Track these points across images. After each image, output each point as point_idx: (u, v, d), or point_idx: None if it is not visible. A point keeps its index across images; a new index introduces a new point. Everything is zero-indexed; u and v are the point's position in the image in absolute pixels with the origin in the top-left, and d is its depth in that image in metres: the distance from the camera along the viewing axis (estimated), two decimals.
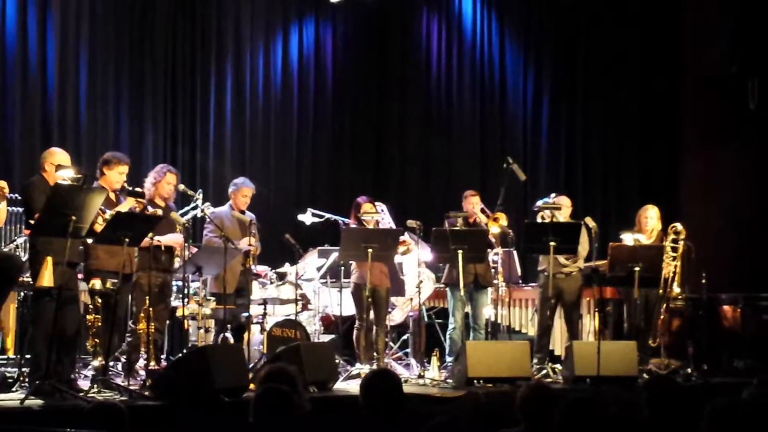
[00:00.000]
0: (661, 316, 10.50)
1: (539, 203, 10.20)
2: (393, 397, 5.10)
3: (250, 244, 9.27)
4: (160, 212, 8.30)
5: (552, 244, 9.28)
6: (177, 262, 8.92)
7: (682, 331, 10.81)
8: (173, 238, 8.70)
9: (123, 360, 8.52)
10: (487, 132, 14.12)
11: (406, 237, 9.87)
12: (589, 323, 10.71)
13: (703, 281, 10.50)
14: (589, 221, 9.92)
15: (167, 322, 9.03)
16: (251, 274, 9.53)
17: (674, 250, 10.13)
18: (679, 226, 10.19)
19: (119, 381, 7.97)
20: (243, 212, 9.64)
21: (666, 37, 13.97)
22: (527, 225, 9.83)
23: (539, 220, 9.98)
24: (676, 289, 10.17)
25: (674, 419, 4.84)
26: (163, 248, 8.50)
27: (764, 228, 12.82)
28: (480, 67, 14.14)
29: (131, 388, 7.64)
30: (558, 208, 9.94)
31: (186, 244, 8.83)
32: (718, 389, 8.48)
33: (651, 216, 10.26)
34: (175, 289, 9.09)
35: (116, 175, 8.18)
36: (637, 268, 9.38)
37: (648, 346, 10.04)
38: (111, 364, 8.25)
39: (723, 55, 13.01)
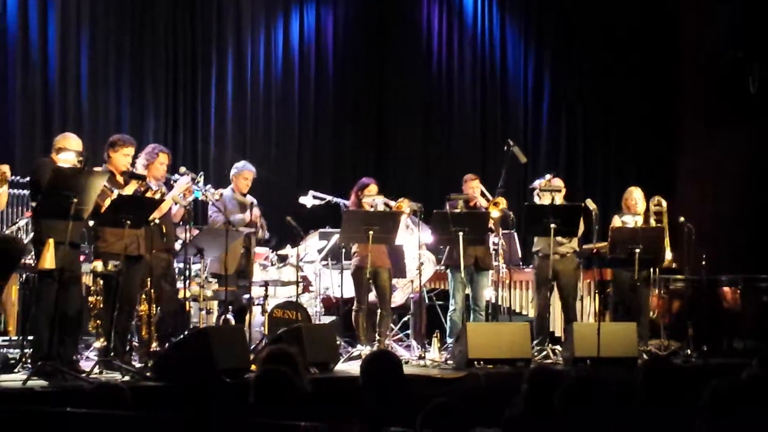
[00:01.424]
0: (658, 297, 10.57)
1: (535, 183, 10.22)
2: (393, 378, 5.13)
3: (251, 220, 9.32)
4: (162, 192, 8.30)
5: (552, 226, 9.30)
6: (178, 245, 8.94)
7: (682, 313, 10.86)
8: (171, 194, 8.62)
9: (135, 341, 8.55)
10: (487, 115, 14.13)
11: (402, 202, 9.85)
12: (589, 305, 10.74)
13: (703, 263, 10.53)
14: (590, 203, 9.95)
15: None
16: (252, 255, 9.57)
17: (658, 221, 10.23)
18: (662, 201, 10.26)
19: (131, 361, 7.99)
20: (244, 195, 9.68)
21: (666, 20, 13.97)
22: (528, 207, 9.84)
23: (536, 200, 10.00)
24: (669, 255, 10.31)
25: (672, 400, 4.86)
26: (164, 229, 8.48)
27: (764, 210, 12.85)
28: (480, 51, 14.15)
29: (133, 369, 7.67)
30: (558, 190, 9.96)
31: (187, 226, 8.83)
32: (718, 370, 8.50)
33: (638, 197, 10.29)
34: (176, 270, 9.10)
35: (122, 158, 8.16)
36: (637, 250, 9.41)
37: (648, 328, 10.07)
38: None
39: (723, 39, 13.01)
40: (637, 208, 10.23)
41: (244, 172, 9.71)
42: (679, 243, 10.56)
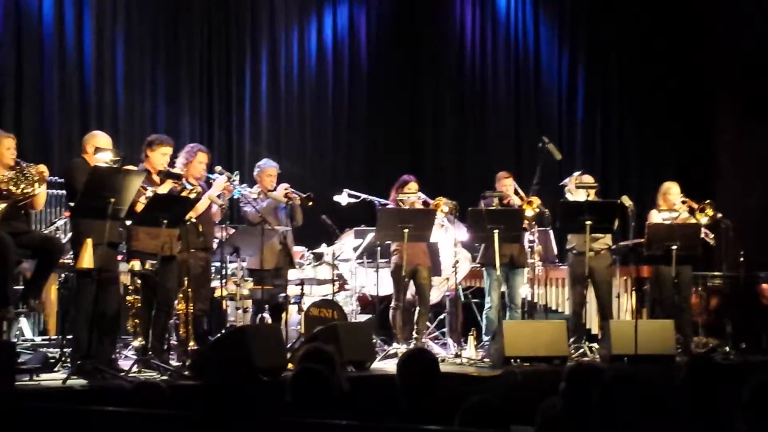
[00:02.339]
0: (696, 295, 10.50)
1: (566, 181, 10.18)
2: (429, 377, 5.12)
3: (286, 190, 9.34)
4: (197, 191, 8.33)
5: (588, 223, 9.25)
6: (215, 243, 8.97)
7: (720, 310, 10.78)
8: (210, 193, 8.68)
9: (173, 340, 8.59)
10: (521, 112, 14.10)
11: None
12: (626, 302, 10.68)
13: (741, 259, 10.44)
14: (626, 200, 9.90)
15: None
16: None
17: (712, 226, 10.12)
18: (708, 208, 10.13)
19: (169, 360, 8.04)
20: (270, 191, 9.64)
21: (702, 13, 13.86)
22: (563, 204, 9.80)
23: (568, 197, 9.96)
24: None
25: (713, 398, 4.82)
26: (200, 228, 8.50)
27: None
28: (514, 46, 14.13)
29: (171, 367, 7.72)
30: (594, 186, 9.91)
31: (223, 225, 8.87)
32: (757, 367, 8.44)
33: (675, 193, 10.19)
34: (213, 269, 9.14)
35: (159, 157, 8.21)
36: (674, 247, 9.34)
37: (687, 325, 9.99)
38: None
39: (759, 33, 12.90)
40: (674, 203, 10.14)
41: (267, 169, 9.70)
42: (717, 240, 10.47)
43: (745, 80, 13.39)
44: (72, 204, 7.60)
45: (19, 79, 10.76)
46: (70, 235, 8.07)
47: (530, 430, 4.83)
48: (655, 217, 10.02)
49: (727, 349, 9.88)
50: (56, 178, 8.73)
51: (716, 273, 11.11)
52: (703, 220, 9.93)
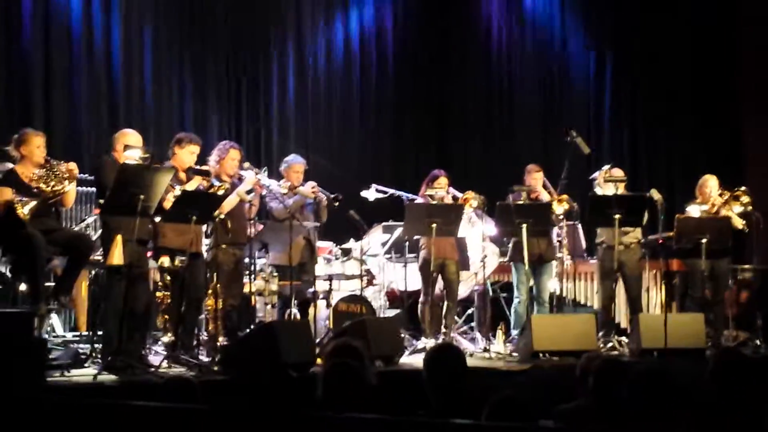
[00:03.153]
0: (730, 288, 10.42)
1: (595, 174, 10.15)
2: (456, 371, 5.13)
3: (312, 192, 9.37)
4: (225, 188, 8.36)
5: (617, 217, 9.22)
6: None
7: (751, 303, 10.70)
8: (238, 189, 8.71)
9: (203, 336, 8.63)
10: (549, 105, 14.06)
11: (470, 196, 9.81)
12: (656, 296, 10.64)
13: None
14: (655, 193, 9.86)
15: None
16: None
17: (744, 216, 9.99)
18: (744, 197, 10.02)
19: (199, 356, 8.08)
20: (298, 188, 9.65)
21: (725, 4, 13.78)
22: (592, 198, 9.76)
23: (598, 191, 9.93)
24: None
25: (743, 391, 4.80)
26: (229, 225, 8.53)
27: None
28: (541, 39, 14.09)
29: (200, 363, 7.76)
30: (622, 180, 9.87)
31: (252, 221, 8.90)
32: None
33: (713, 185, 10.13)
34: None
35: (187, 155, 8.26)
36: (704, 240, 9.29)
37: (718, 319, 9.92)
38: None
39: None
40: (710, 196, 10.06)
41: (294, 165, 9.70)
42: (748, 232, 10.39)
43: None
44: (101, 201, 7.65)
45: (48, 78, 10.82)
46: (99, 231, 8.12)
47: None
48: (692, 210, 9.94)
49: (758, 342, 9.81)
50: (86, 175, 8.79)
51: (746, 266, 11.03)
52: (738, 209, 9.86)
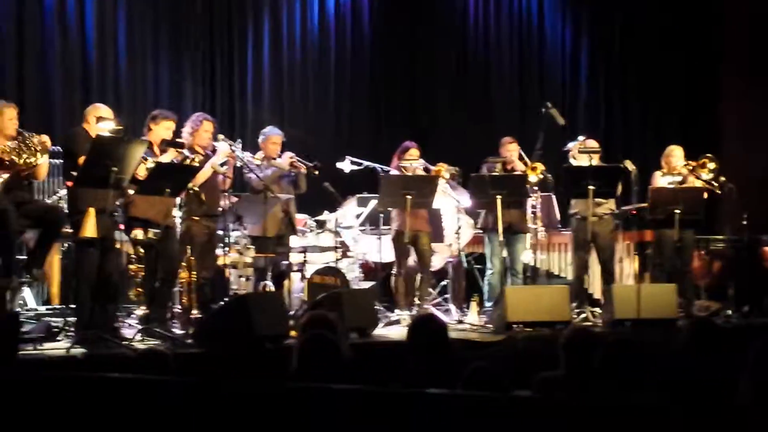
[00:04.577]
0: (699, 258, 10.49)
1: (570, 145, 10.16)
2: (439, 341, 5.15)
3: (290, 163, 9.34)
4: (198, 160, 8.33)
5: (591, 188, 9.24)
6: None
7: (723, 273, 10.78)
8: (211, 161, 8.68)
9: (177, 309, 8.62)
10: (525, 77, 14.05)
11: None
12: (629, 266, 10.69)
13: (744, 223, 10.44)
14: (629, 164, 9.87)
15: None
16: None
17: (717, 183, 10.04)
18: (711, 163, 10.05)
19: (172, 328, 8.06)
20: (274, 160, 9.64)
21: None
22: (566, 169, 9.78)
23: (573, 162, 9.95)
24: None
25: (715, 360, 4.84)
26: (203, 197, 8.49)
27: None
28: (518, 11, 14.05)
29: (174, 336, 7.75)
30: (596, 151, 9.88)
31: (226, 194, 8.87)
32: (759, 330, 8.46)
33: (678, 155, 10.17)
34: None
35: (163, 131, 8.25)
36: (677, 211, 9.33)
37: (689, 289, 9.99)
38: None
39: None
40: (678, 166, 10.11)
41: (271, 137, 9.66)
42: (721, 201, 10.45)
43: (752, 42, 13.34)
44: (72, 173, 7.59)
45: (21, 50, 10.73)
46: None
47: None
48: (658, 180, 10.03)
49: (730, 312, 9.90)
50: (58, 148, 8.71)
51: (719, 236, 11.10)
52: (706, 176, 9.90)
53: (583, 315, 9.49)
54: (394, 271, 9.83)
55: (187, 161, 8.15)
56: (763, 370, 4.18)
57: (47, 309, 9.27)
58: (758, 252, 11.01)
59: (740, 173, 10.72)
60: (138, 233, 8.11)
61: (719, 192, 10.03)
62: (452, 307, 10.17)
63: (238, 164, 9.22)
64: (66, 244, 8.99)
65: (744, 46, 13.46)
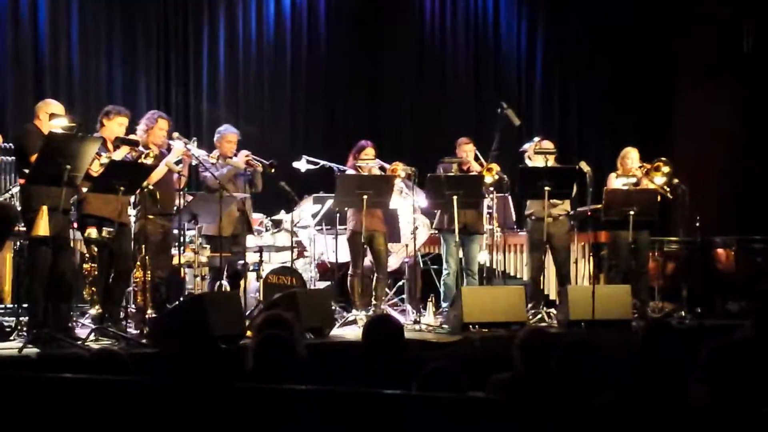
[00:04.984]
0: (653, 260, 10.57)
1: (525, 146, 10.20)
2: (395, 342, 5.14)
3: (246, 161, 9.30)
4: (153, 155, 8.25)
5: (547, 189, 9.28)
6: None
7: (677, 275, 10.88)
8: (166, 160, 8.62)
9: (131, 308, 8.54)
10: (480, 77, 14.08)
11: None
12: (584, 267, 10.74)
13: (698, 224, 10.53)
14: (584, 166, 9.92)
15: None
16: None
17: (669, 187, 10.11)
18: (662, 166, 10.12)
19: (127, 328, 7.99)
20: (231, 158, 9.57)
21: None
22: (522, 170, 9.81)
23: (528, 163, 9.98)
24: None
25: (669, 361, 4.87)
26: (157, 195, 8.43)
27: (759, 170, 12.86)
28: (474, 11, 14.08)
29: (128, 335, 7.68)
30: (552, 152, 9.93)
31: (182, 192, 8.81)
32: (712, 332, 8.53)
33: (633, 158, 10.24)
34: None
35: (116, 126, 8.19)
36: (631, 212, 9.40)
37: (644, 290, 10.06)
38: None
39: None
40: (632, 168, 10.18)
41: (227, 135, 9.60)
42: (674, 205, 10.55)
43: (704, 43, 13.47)
44: (24, 170, 7.50)
45: None
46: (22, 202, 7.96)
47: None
48: (613, 181, 10.10)
49: (683, 313, 9.98)
50: (10, 145, 8.61)
51: (673, 238, 11.20)
52: (659, 180, 9.97)
53: (539, 316, 9.52)
54: (350, 271, 9.80)
55: (142, 157, 8.07)
56: (715, 371, 4.23)
57: None
58: (711, 254, 11.13)
59: (694, 174, 10.82)
60: (92, 231, 8.03)
61: (671, 197, 10.12)
62: (409, 307, 10.17)
63: (194, 162, 9.15)
64: (18, 242, 8.87)
65: (696, 45, 13.58)
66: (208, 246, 9.22)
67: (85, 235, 8.15)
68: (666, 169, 10.01)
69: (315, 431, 3.64)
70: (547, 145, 10.07)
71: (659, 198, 9.90)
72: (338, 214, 9.76)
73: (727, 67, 13.24)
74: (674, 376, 4.75)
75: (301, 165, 10.34)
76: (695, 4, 13.53)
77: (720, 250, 11.14)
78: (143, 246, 8.33)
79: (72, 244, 8.20)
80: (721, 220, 11.69)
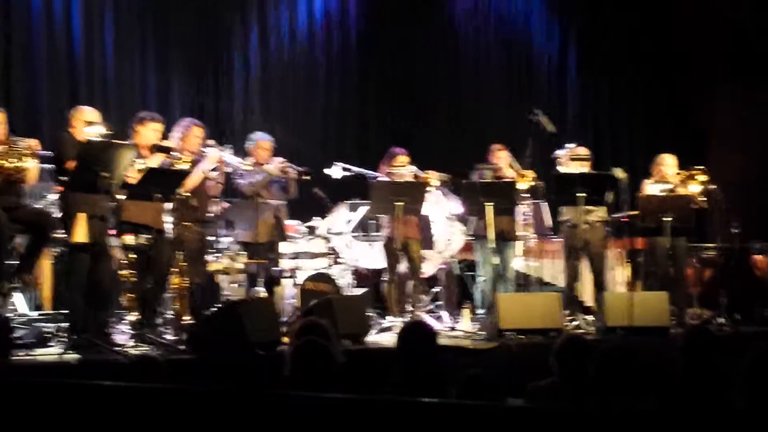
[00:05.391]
0: (690, 267, 10.50)
1: (558, 152, 10.16)
2: (428, 348, 5.13)
3: (281, 168, 9.32)
4: (187, 161, 8.29)
5: (581, 195, 9.24)
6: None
7: (714, 281, 10.79)
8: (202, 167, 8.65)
9: (168, 315, 8.59)
10: (514, 84, 14.06)
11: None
12: (621, 274, 10.68)
13: (735, 230, 10.45)
14: (618, 172, 9.87)
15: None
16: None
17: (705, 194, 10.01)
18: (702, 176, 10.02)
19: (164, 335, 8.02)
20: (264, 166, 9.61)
21: None
22: (556, 177, 9.78)
23: (561, 169, 9.95)
24: None
25: (709, 369, 4.83)
26: (193, 203, 8.46)
27: None
28: (507, 19, 14.07)
29: (166, 342, 7.71)
30: (586, 158, 9.89)
31: (218, 199, 8.85)
32: (751, 338, 8.46)
33: (670, 164, 10.17)
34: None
35: (150, 133, 8.20)
36: (667, 219, 9.34)
37: (681, 297, 9.99)
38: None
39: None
40: (669, 175, 10.10)
41: (261, 142, 9.65)
42: (710, 211, 10.46)
43: (743, 47, 13.38)
44: (62, 178, 7.56)
45: (7, 52, 10.64)
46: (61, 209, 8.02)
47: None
48: (647, 187, 10.03)
49: (722, 320, 9.90)
50: (48, 152, 8.67)
51: (710, 245, 11.11)
52: (695, 188, 9.88)
53: (576, 323, 9.48)
54: (385, 277, 9.80)
55: (177, 163, 8.11)
56: (758, 377, 4.19)
57: (39, 314, 9.22)
58: (749, 260, 11.03)
59: (730, 180, 10.73)
60: (129, 238, 8.08)
61: (705, 206, 10.02)
62: (445, 313, 10.16)
63: (228, 170, 9.19)
64: (58, 249, 8.94)
65: (736, 50, 13.49)
66: (244, 253, 9.26)
67: (123, 241, 8.19)
68: (703, 177, 9.92)
69: None
70: (582, 151, 10.03)
71: (694, 206, 9.83)
72: (373, 221, 9.77)
73: (763, 72, 13.13)
74: (715, 383, 4.72)
75: (335, 172, 10.34)
76: (731, 10, 13.43)
77: (758, 256, 11.05)
78: (180, 252, 8.37)
79: (110, 251, 8.24)
80: (759, 226, 11.57)
